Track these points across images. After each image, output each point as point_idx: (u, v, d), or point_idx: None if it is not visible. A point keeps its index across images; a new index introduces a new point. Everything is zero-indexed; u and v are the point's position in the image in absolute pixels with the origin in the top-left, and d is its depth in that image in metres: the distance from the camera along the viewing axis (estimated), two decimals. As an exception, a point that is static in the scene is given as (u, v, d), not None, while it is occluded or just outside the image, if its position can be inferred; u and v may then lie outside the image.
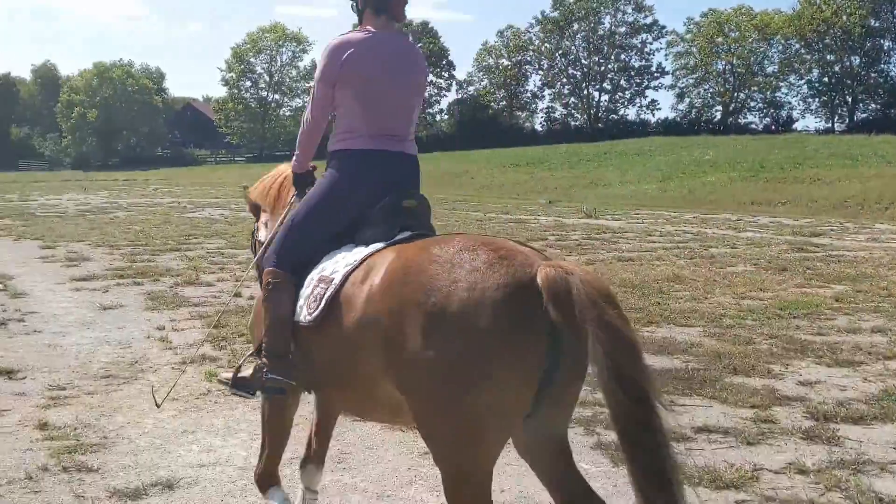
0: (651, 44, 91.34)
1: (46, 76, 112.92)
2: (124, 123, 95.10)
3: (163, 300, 10.30)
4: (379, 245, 3.44)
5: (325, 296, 3.35)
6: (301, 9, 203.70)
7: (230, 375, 3.81)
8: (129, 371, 7.15)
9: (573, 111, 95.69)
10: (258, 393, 3.76)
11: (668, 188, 37.00)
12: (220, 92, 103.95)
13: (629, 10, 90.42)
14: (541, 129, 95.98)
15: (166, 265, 13.60)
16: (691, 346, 8.02)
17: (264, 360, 3.62)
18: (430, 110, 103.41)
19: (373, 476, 4.87)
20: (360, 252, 3.43)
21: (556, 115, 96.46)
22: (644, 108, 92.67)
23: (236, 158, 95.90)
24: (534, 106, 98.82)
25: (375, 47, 3.72)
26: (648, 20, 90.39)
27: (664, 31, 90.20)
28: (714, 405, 6.23)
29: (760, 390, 6.52)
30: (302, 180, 4.04)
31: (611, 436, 5.47)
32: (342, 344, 3.25)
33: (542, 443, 3.08)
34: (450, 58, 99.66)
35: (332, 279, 3.37)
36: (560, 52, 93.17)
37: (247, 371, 3.72)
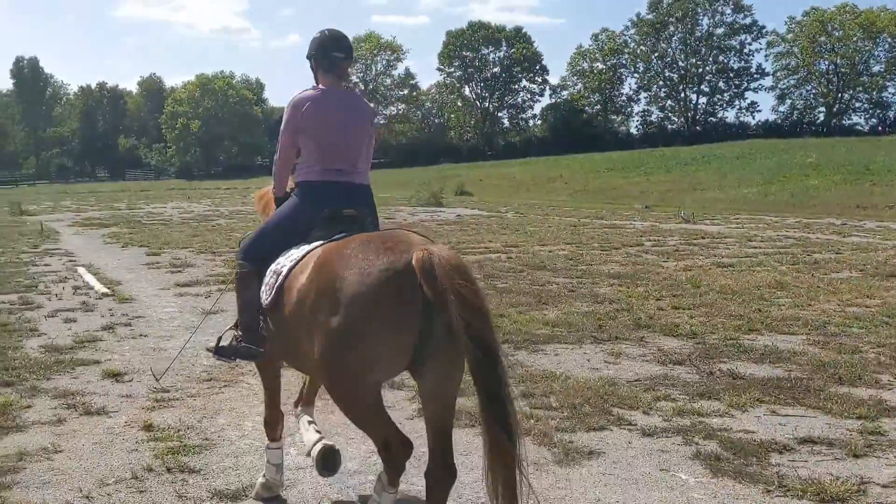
0: (750, 44, 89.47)
1: (152, 88, 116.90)
2: (225, 133, 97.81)
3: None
4: (318, 244, 4.26)
5: (276, 285, 4.24)
6: (396, 18, 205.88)
7: (214, 345, 4.74)
8: (230, 375, 7.33)
9: (670, 114, 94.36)
10: (236, 359, 4.71)
11: (769, 192, 36.06)
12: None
13: (727, 11, 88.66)
14: (636, 132, 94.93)
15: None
16: (794, 354, 7.80)
17: (239, 332, 4.61)
18: (523, 115, 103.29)
19: (467, 482, 4.87)
20: (304, 249, 4.29)
21: (653, 118, 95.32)
22: (743, 111, 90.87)
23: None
24: (629, 109, 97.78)
25: (327, 102, 4.72)
26: (747, 20, 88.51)
27: (764, 31, 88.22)
28: (818, 416, 6.04)
29: (867, 401, 6.29)
30: (282, 201, 4.95)
31: (710, 446, 5.37)
32: (288, 321, 4.10)
33: (430, 399, 3.83)
34: (543, 62, 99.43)
35: (281, 272, 4.26)
36: (656, 54, 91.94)
37: (226, 341, 4.68)
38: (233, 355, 4.64)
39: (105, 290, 11.88)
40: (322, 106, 4.70)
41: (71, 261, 15.90)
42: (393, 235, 3.88)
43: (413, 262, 3.55)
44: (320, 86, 4.83)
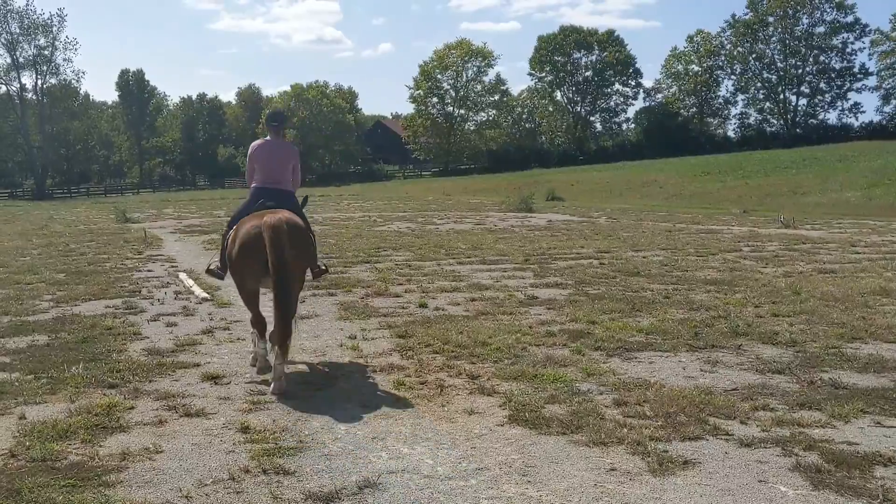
0: (853, 43, 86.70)
1: (250, 99, 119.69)
2: (320, 142, 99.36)
3: (354, 310, 10.66)
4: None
5: (225, 236, 8.09)
6: (486, 24, 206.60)
7: (206, 268, 8.78)
8: (324, 379, 7.44)
9: (768, 116, 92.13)
10: (218, 278, 8.57)
11: (873, 196, 34.83)
12: (408, 109, 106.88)
13: (828, 9, 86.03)
14: (734, 135, 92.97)
15: (357, 277, 14.06)
16: (901, 364, 7.49)
17: (218, 262, 8.25)
18: (616, 119, 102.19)
19: (559, 490, 4.82)
20: (242, 221, 7.75)
21: (750, 120, 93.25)
22: (846, 112, 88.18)
23: (423, 173, 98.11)
24: (726, 112, 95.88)
25: (267, 146, 8.42)
26: (849, 19, 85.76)
27: (867, 29, 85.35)
28: (927, 428, 5.78)
29: (981, 414, 5.99)
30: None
31: (811, 458, 5.20)
32: (227, 255, 7.79)
33: (275, 300, 7.17)
34: (636, 66, 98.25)
35: (229, 231, 7.98)
36: (753, 55, 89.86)
37: (213, 267, 8.35)
38: (213, 275, 8.37)
39: (205, 294, 12.18)
40: (263, 149, 8.38)
41: (172, 266, 16.35)
42: (265, 212, 7.48)
43: (262, 224, 7.17)
44: (267, 137, 8.54)
